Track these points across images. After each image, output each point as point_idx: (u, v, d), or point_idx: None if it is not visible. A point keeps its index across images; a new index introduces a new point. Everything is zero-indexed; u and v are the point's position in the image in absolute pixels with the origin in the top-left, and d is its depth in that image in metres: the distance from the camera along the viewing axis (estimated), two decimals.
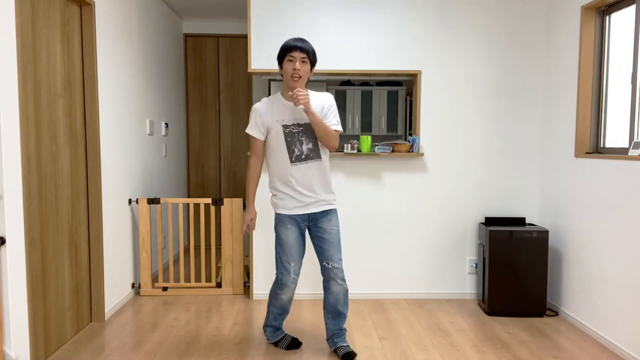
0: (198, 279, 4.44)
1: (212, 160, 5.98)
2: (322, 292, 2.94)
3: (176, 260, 5.19)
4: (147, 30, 4.49)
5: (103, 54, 3.47)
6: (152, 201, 3.97)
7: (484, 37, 3.89)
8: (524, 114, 3.95)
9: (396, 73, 3.93)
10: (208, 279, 4.42)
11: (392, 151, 3.88)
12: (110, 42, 3.60)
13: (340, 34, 3.87)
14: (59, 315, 3.01)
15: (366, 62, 3.89)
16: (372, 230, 3.99)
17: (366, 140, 3.85)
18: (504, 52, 3.91)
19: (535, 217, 4.00)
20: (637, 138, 3.05)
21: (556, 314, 3.68)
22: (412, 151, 3.89)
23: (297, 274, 2.86)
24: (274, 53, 3.83)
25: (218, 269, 4.58)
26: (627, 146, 3.13)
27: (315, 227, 2.86)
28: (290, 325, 3.42)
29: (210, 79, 5.91)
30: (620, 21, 3.25)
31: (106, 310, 3.51)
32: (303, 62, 2.66)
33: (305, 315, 3.63)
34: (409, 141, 3.95)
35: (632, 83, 3.09)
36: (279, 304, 2.94)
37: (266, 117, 2.74)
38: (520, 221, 3.77)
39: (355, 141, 3.89)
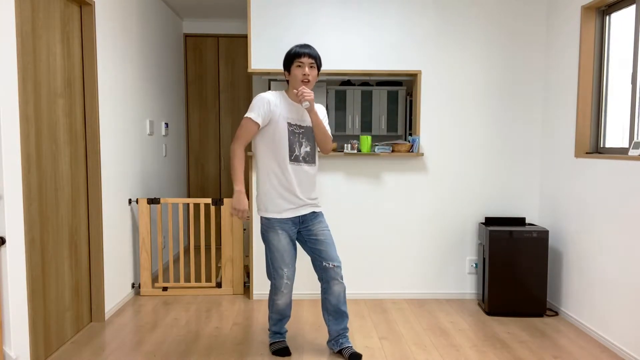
0: (198, 279, 4.44)
1: (212, 160, 5.98)
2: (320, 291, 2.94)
3: (176, 260, 5.19)
4: (147, 30, 4.49)
5: (103, 54, 3.47)
6: (152, 201, 3.97)
7: (484, 37, 3.89)
8: (524, 113, 3.95)
9: (396, 73, 3.93)
10: (208, 279, 4.42)
11: (392, 151, 3.88)
12: (110, 42, 3.60)
13: (340, 34, 3.87)
14: (59, 315, 3.01)
15: (366, 62, 3.89)
16: (372, 230, 3.99)
17: (366, 140, 3.85)
18: (504, 52, 3.91)
19: (535, 217, 4.00)
20: (637, 138, 3.05)
21: (556, 314, 3.68)
22: (412, 151, 3.89)
23: (291, 279, 2.86)
24: (274, 53, 3.83)
25: (218, 269, 4.58)
26: (627, 146, 3.13)
27: (306, 230, 2.86)
28: (290, 325, 3.42)
29: (210, 79, 5.91)
30: (620, 21, 3.25)
31: (106, 310, 3.51)
32: (311, 67, 2.75)
33: (306, 315, 3.63)
34: (409, 141, 3.95)
35: (632, 83, 3.09)
36: (276, 309, 2.94)
37: (275, 108, 2.75)
38: (520, 221, 3.77)
39: (355, 141, 3.89)
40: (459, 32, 3.89)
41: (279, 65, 3.83)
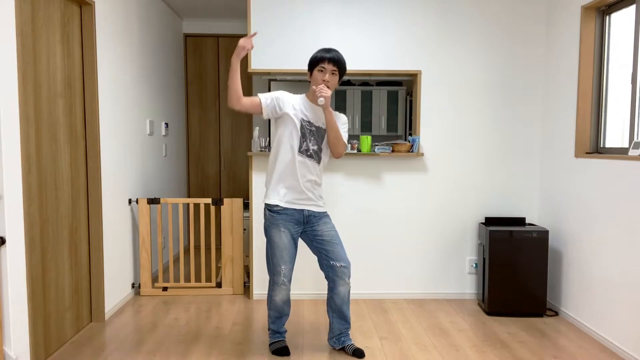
0: (198, 279, 4.44)
1: (212, 160, 5.98)
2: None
3: (176, 260, 5.19)
4: (147, 30, 4.49)
5: (103, 54, 3.47)
6: (152, 201, 3.97)
7: (484, 37, 3.89)
8: (524, 113, 3.95)
9: (396, 73, 3.93)
10: (208, 279, 4.41)
11: (392, 151, 3.88)
12: (110, 42, 3.60)
13: (340, 34, 3.87)
14: (59, 315, 3.01)
15: (366, 62, 3.89)
16: (372, 230, 3.99)
17: (366, 140, 3.85)
18: (504, 52, 3.91)
19: (535, 217, 4.00)
20: (637, 138, 3.05)
21: (556, 314, 3.68)
22: (412, 151, 3.89)
23: (288, 278, 2.88)
24: (274, 53, 3.83)
25: (218, 269, 4.58)
26: (627, 146, 3.13)
27: (311, 231, 2.89)
28: (290, 325, 3.42)
29: (210, 79, 5.91)
30: (620, 21, 3.25)
31: (106, 310, 3.51)
32: (333, 74, 2.80)
33: (306, 315, 3.63)
34: (409, 141, 3.95)
35: (632, 83, 3.09)
36: (274, 306, 2.96)
37: (287, 104, 2.82)
38: (520, 221, 3.77)
39: (355, 141, 3.90)
40: (459, 32, 3.89)
41: (279, 65, 3.83)
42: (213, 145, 5.96)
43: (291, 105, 2.83)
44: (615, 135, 3.31)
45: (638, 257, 2.86)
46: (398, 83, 5.68)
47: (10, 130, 2.44)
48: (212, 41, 5.87)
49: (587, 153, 3.44)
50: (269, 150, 3.40)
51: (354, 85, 5.69)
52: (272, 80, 5.33)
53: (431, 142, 3.95)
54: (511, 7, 3.88)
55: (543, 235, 3.58)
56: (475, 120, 3.95)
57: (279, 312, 2.98)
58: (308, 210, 2.87)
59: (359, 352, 2.93)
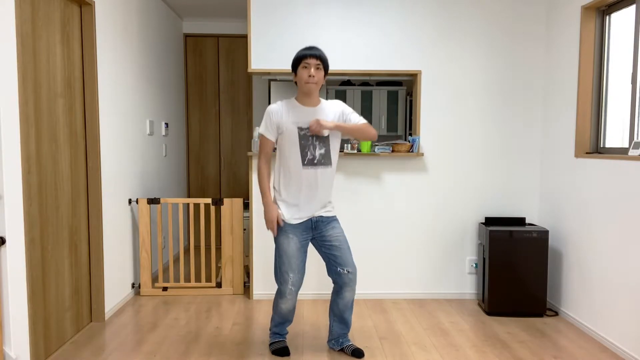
0: (198, 279, 4.44)
1: (212, 160, 5.98)
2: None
3: (176, 260, 5.19)
4: (147, 30, 4.48)
5: (103, 54, 3.47)
6: (152, 201, 3.97)
7: (484, 37, 3.89)
8: (524, 113, 3.95)
9: (396, 73, 3.93)
10: (208, 279, 4.41)
11: (392, 151, 3.88)
12: (110, 42, 3.60)
13: (340, 34, 3.87)
14: (59, 315, 3.01)
15: (366, 62, 3.89)
16: (372, 230, 3.99)
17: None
18: (504, 52, 3.91)
19: (535, 217, 4.00)
20: (637, 138, 3.05)
21: (556, 314, 3.68)
22: (412, 151, 3.89)
23: (296, 286, 2.84)
24: (274, 53, 3.83)
25: (218, 269, 4.58)
26: (627, 146, 3.13)
27: (320, 236, 2.85)
28: (290, 325, 3.41)
29: (210, 79, 5.91)
30: (620, 21, 3.25)
31: (106, 310, 3.51)
32: (317, 68, 2.73)
33: (306, 315, 3.63)
34: (409, 141, 3.95)
35: (632, 83, 3.09)
36: (279, 312, 2.94)
37: (280, 117, 2.75)
38: (520, 221, 3.77)
39: (355, 141, 3.89)
40: (459, 32, 3.89)
41: (279, 65, 3.83)
42: (213, 145, 5.96)
43: (282, 119, 2.75)
44: (615, 135, 3.31)
45: (638, 257, 2.86)
46: (398, 83, 5.68)
47: (10, 130, 2.44)
48: (212, 41, 5.87)
49: (587, 153, 3.44)
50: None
51: (354, 85, 5.68)
52: (272, 80, 5.33)
53: (431, 142, 3.95)
54: (511, 7, 3.88)
55: (543, 235, 3.58)
56: (476, 120, 3.95)
57: (282, 318, 2.97)
58: (317, 216, 2.83)
59: (358, 352, 2.92)
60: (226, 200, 4.03)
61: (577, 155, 3.47)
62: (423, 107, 3.93)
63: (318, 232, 2.84)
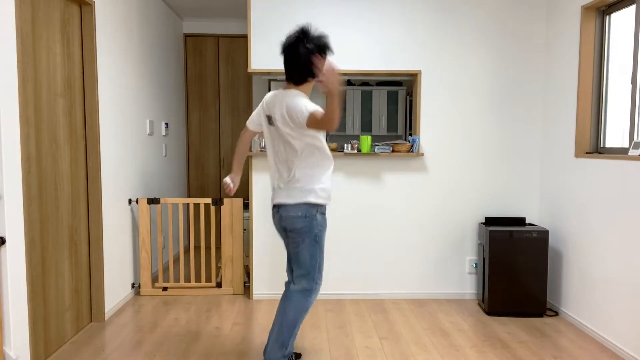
0: (198, 279, 4.44)
1: (212, 160, 5.98)
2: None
3: (176, 260, 5.19)
4: (147, 30, 4.49)
5: (103, 54, 3.47)
6: (152, 201, 3.97)
7: (484, 37, 3.89)
8: (524, 113, 3.95)
9: (396, 73, 3.93)
10: (208, 279, 4.41)
11: (392, 151, 3.88)
12: (110, 42, 3.60)
13: (340, 34, 3.87)
14: (59, 315, 3.01)
15: (366, 62, 3.89)
16: (372, 230, 3.99)
17: (366, 140, 3.85)
18: (504, 52, 3.91)
19: (535, 217, 4.00)
20: (637, 138, 3.05)
21: (556, 314, 3.68)
22: (412, 151, 3.89)
23: None
24: (274, 53, 3.83)
25: (218, 269, 4.58)
26: (627, 146, 3.13)
27: None
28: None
29: (210, 79, 5.91)
30: (620, 21, 3.25)
31: (106, 310, 3.51)
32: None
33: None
34: (409, 141, 3.95)
35: (632, 83, 3.09)
36: (304, 318, 2.65)
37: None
38: (520, 221, 3.77)
39: (355, 141, 3.89)
40: (459, 32, 3.89)
41: (279, 65, 3.83)
42: (213, 145, 5.96)
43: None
44: (615, 135, 3.31)
45: (638, 257, 2.86)
46: (398, 83, 5.68)
47: (10, 130, 2.44)
48: (212, 41, 5.87)
49: (587, 153, 3.44)
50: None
51: (354, 85, 5.69)
52: (272, 80, 5.33)
53: (431, 142, 3.95)
54: (511, 7, 3.88)
55: (543, 235, 3.58)
56: (476, 120, 3.95)
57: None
58: None
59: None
60: (226, 200, 4.03)
61: (577, 155, 3.47)
62: (423, 107, 3.93)
63: None
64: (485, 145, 3.96)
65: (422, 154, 3.88)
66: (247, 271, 4.29)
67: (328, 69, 2.20)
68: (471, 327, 3.43)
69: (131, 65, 4.05)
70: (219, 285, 4.09)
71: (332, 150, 3.91)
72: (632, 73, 3.07)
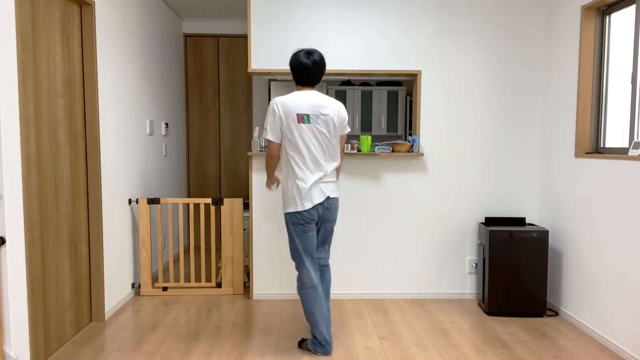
0: (198, 279, 4.44)
1: (212, 160, 5.98)
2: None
3: (176, 260, 5.19)
4: (147, 30, 4.49)
5: (103, 54, 3.47)
6: (152, 201, 3.97)
7: (484, 37, 3.89)
8: (524, 113, 3.95)
9: (396, 73, 3.93)
10: (208, 279, 4.41)
11: (392, 151, 3.88)
12: (110, 42, 3.60)
13: (340, 34, 3.87)
14: (59, 315, 3.01)
15: (366, 62, 3.89)
16: (372, 230, 3.99)
17: (366, 140, 3.85)
18: (504, 51, 3.91)
19: (535, 217, 4.00)
20: (637, 138, 3.05)
21: (556, 314, 3.68)
22: (412, 151, 3.89)
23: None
24: (274, 53, 3.83)
25: (218, 269, 4.58)
26: (627, 146, 3.13)
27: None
28: (289, 324, 3.42)
29: (210, 79, 5.91)
30: (620, 21, 3.25)
31: (106, 310, 3.51)
32: None
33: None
34: (409, 141, 3.95)
35: (632, 83, 3.09)
36: None
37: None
38: (520, 221, 3.77)
39: (355, 141, 3.89)
40: (458, 32, 3.89)
41: (279, 65, 3.83)
42: (213, 145, 5.97)
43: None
44: (615, 135, 3.31)
45: (638, 257, 2.86)
46: (398, 83, 5.68)
47: (10, 130, 2.45)
48: (212, 41, 5.87)
49: (587, 153, 3.44)
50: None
51: (354, 85, 5.69)
52: (272, 80, 5.33)
53: (431, 142, 3.95)
54: (511, 7, 3.88)
55: (543, 235, 3.58)
56: (475, 120, 3.95)
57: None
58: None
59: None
60: (226, 200, 4.03)
61: (577, 155, 3.47)
62: (423, 107, 3.93)
63: None
64: (485, 145, 3.96)
65: (422, 154, 3.88)
66: (247, 271, 4.29)
67: None
68: (471, 327, 3.43)
69: (131, 65, 4.05)
70: (219, 285, 4.09)
71: None
72: (632, 73, 3.07)
